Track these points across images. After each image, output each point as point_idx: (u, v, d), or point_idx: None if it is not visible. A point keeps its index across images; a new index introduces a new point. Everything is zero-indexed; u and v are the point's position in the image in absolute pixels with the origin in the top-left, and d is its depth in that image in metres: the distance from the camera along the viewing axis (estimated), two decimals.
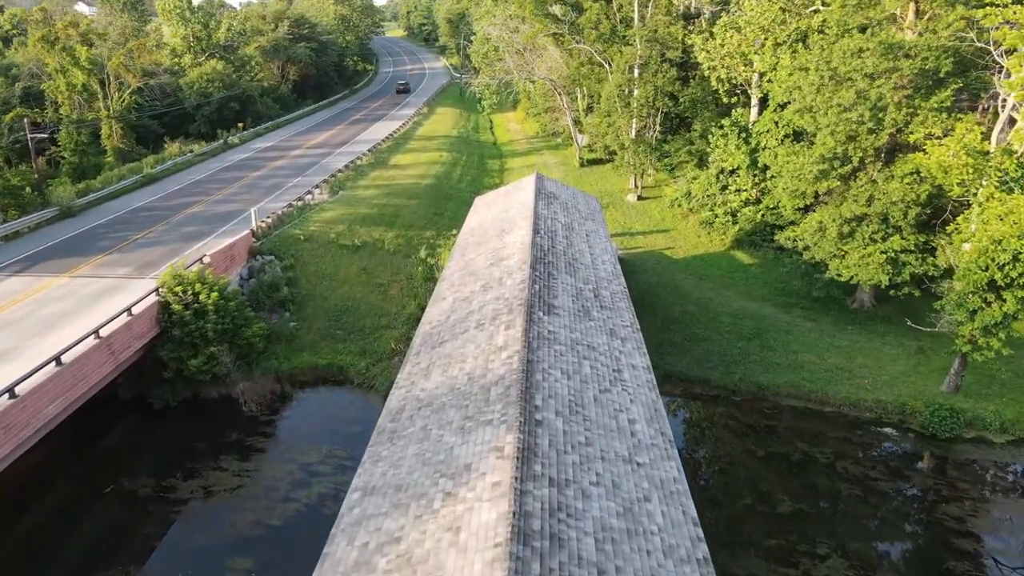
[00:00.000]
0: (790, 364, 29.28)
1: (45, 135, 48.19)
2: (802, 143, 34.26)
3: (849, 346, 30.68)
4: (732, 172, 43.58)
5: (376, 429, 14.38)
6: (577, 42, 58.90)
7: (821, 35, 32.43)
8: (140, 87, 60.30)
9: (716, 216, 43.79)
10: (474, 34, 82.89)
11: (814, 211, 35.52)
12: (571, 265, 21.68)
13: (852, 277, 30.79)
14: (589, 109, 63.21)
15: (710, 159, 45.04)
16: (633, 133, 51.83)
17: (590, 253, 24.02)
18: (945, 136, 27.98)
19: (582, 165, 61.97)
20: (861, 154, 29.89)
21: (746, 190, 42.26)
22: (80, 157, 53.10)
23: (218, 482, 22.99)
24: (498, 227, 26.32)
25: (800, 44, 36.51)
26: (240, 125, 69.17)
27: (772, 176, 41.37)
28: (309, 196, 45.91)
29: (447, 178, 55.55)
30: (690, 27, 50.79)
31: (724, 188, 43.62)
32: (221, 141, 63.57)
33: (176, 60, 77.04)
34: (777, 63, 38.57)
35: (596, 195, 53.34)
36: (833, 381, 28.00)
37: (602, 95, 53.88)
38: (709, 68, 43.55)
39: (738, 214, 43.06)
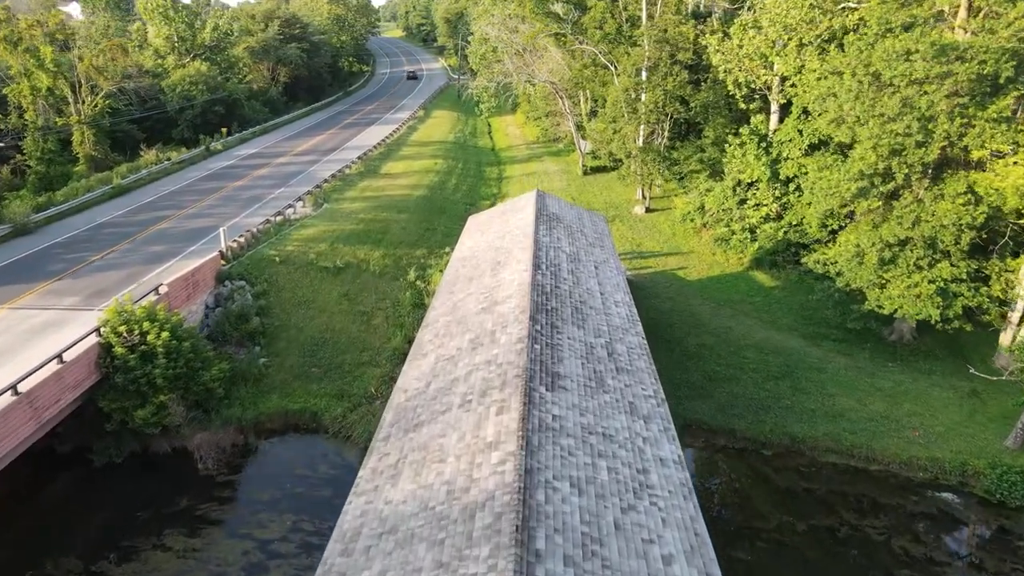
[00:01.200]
0: (827, 411, 25.63)
1: (1, 143, 44.53)
2: (834, 155, 30.63)
3: (892, 388, 27.02)
4: (750, 185, 39.97)
5: (322, 564, 10.73)
6: (580, 43, 55.32)
7: (858, 35, 28.77)
8: (117, 90, 56.69)
9: (733, 233, 40.14)
10: (472, 34, 79.26)
11: (843, 229, 32.00)
12: (579, 311, 18.04)
13: (896, 310, 27.11)
14: (593, 113, 59.60)
15: (726, 170, 41.39)
16: (640, 140, 48.23)
17: (600, 292, 20.37)
18: (1015, 152, 24.34)
19: (585, 173, 58.35)
20: (907, 170, 26.24)
21: (766, 205, 38.60)
22: (47, 166, 49.40)
23: (158, 566, 19.33)
24: (492, 257, 22.67)
25: (830, 45, 32.84)
26: (224, 130, 65.49)
27: (795, 190, 37.90)
28: (290, 210, 42.28)
29: (441, 188, 51.90)
30: (702, 26, 47.20)
31: (742, 202, 39.98)
32: (203, 147, 59.90)
33: (159, 62, 73.47)
34: (803, 66, 34.97)
35: (601, 207, 49.80)
36: (878, 433, 24.35)
37: (607, 99, 50.26)
38: (724, 71, 39.86)
39: (757, 231, 39.43)
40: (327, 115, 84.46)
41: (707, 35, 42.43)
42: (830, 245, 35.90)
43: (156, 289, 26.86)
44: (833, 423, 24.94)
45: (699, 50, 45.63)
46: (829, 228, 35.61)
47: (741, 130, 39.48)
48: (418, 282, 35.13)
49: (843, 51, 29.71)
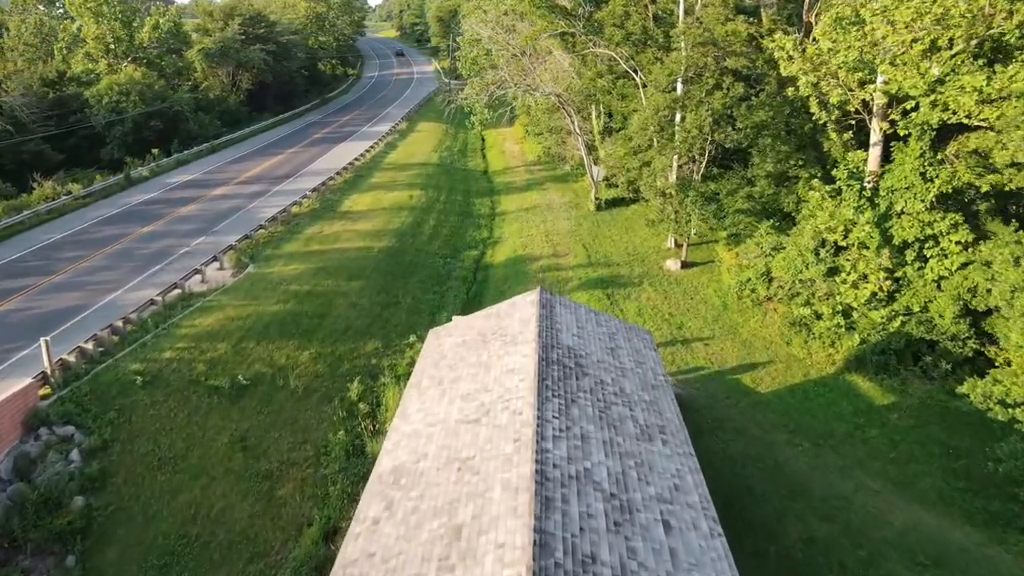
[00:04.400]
0: None
1: None
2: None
3: None
4: (841, 248, 28.14)
5: None
6: (593, 45, 43.54)
7: None
8: (22, 103, 44.96)
9: (818, 316, 28.27)
10: (462, 34, 67.39)
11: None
12: None
13: None
14: (607, 131, 47.70)
15: (804, 223, 29.55)
16: (674, 175, 36.45)
17: None
18: None
19: (599, 208, 46.42)
20: None
21: (872, 280, 26.71)
22: None
23: None
24: (451, 494, 10.82)
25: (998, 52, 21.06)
26: (155, 151, 53.69)
27: (916, 260, 26.14)
28: (196, 277, 30.46)
29: (414, 235, 39.97)
30: (753, 21, 35.43)
31: (832, 272, 28.10)
32: (122, 175, 48.04)
33: (90, 66, 61.79)
34: (939, 80, 23.17)
35: (622, 258, 37.79)
36: None
37: (632, 122, 38.43)
38: (807, 85, 27.86)
39: (854, 313, 27.58)
40: (294, 128, 72.68)
41: (774, 36, 30.37)
42: (984, 346, 24.15)
43: None
44: None
45: (750, 54, 33.88)
46: (970, 321, 24.03)
47: (835, 172, 27.57)
48: (360, 404, 23.37)
49: None
